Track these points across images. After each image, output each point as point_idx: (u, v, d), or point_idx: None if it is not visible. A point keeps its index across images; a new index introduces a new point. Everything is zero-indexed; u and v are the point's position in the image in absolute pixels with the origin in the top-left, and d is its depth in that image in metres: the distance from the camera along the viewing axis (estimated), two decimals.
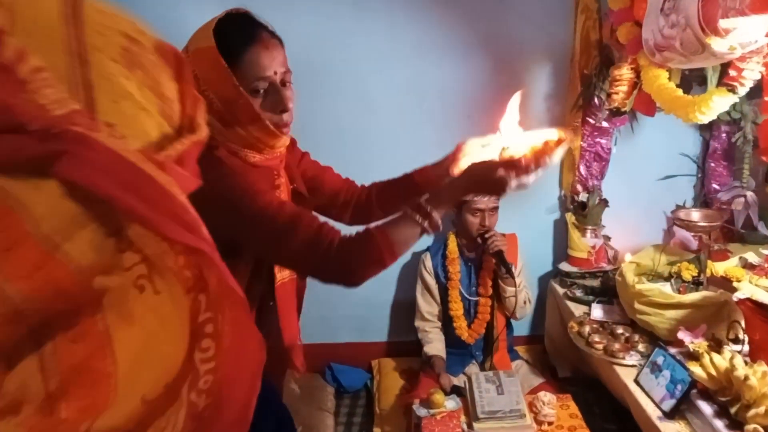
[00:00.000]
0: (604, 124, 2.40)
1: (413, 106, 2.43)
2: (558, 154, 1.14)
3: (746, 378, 1.38)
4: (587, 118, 2.41)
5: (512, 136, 1.25)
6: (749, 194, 2.26)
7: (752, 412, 1.35)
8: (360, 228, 1.12)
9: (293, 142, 1.37)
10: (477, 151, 1.31)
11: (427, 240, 2.52)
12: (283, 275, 1.23)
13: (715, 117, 1.65)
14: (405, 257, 2.61)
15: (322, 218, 1.11)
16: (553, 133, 1.19)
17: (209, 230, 1.10)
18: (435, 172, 1.36)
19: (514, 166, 1.09)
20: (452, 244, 2.34)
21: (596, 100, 2.31)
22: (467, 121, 2.43)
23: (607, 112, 2.33)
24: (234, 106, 1.06)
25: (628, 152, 2.51)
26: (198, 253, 0.48)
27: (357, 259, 1.07)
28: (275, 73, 1.09)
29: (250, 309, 1.19)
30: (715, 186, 2.46)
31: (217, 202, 1.03)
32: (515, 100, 1.28)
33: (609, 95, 2.23)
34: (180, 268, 0.48)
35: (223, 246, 1.06)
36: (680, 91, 1.80)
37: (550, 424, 1.83)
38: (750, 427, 1.34)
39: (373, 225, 1.10)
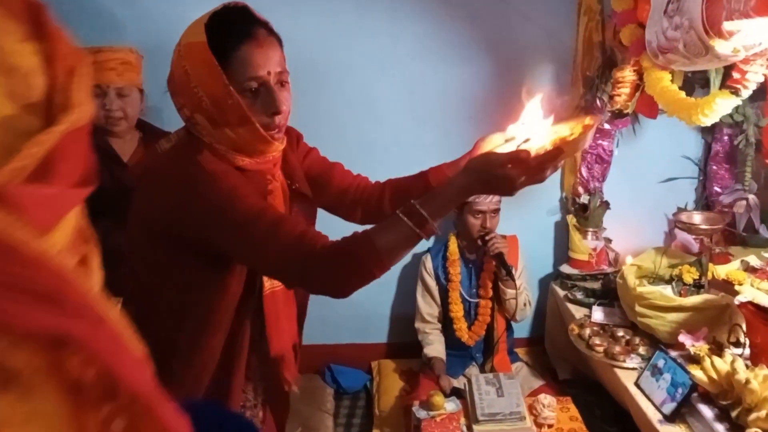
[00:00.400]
0: (606, 126, 2.39)
1: (415, 107, 2.43)
2: (586, 140, 1.01)
3: (747, 382, 1.37)
4: None
5: (535, 126, 1.10)
6: (751, 197, 2.25)
7: (753, 416, 1.35)
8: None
9: (298, 137, 1.31)
10: (499, 146, 1.14)
11: (427, 241, 2.51)
12: (272, 284, 1.17)
13: (717, 119, 1.65)
14: (405, 258, 2.59)
15: (321, 224, 1.06)
16: (579, 121, 1.07)
17: (195, 242, 1.00)
18: (451, 171, 1.24)
19: (522, 160, 0.95)
20: (453, 245, 2.34)
21: (598, 101, 2.30)
22: (469, 122, 2.43)
23: (609, 114, 2.32)
24: (223, 105, 1.00)
25: (630, 154, 2.51)
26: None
27: (340, 268, 0.97)
28: (269, 72, 1.02)
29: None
30: (716, 189, 2.45)
31: (196, 212, 0.99)
32: (535, 101, 1.13)
33: (611, 97, 2.22)
34: (48, 351, 0.31)
35: (213, 256, 1.04)
36: (683, 94, 1.79)
37: (550, 426, 1.83)
38: (751, 431, 1.34)
39: (361, 230, 0.99)
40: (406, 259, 2.59)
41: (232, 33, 1.01)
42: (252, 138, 1.04)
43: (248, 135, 1.03)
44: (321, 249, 0.97)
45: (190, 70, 1.00)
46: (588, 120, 1.06)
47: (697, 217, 2.15)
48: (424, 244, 2.49)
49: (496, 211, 2.23)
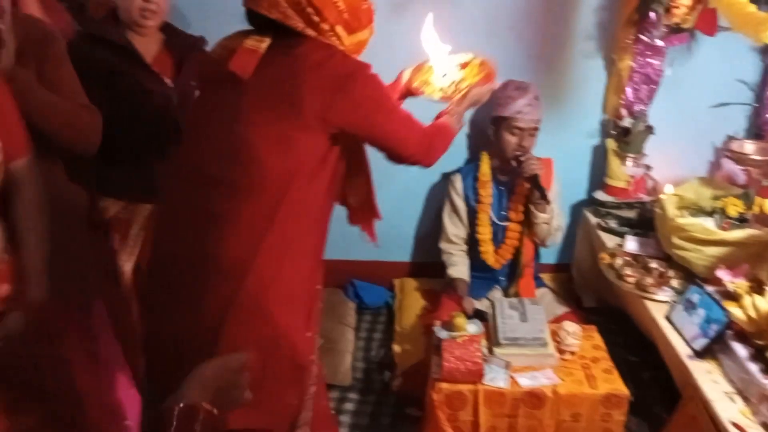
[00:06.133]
0: (659, 42, 2.20)
1: None
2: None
3: None
4: (640, 36, 2.21)
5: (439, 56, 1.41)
6: None
7: None
8: None
9: None
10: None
11: (457, 161, 2.42)
12: None
13: None
14: (433, 178, 2.53)
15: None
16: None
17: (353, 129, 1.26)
18: None
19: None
20: (485, 166, 2.24)
21: (653, 14, 2.11)
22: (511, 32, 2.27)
23: (664, 30, 2.13)
24: (359, 12, 1.21)
25: (680, 76, 2.32)
26: None
27: (446, 141, 1.39)
28: None
29: None
30: None
31: (370, 99, 1.22)
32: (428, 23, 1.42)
33: (668, 9, 2.03)
34: None
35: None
36: (753, 7, 1.62)
37: (572, 353, 1.80)
38: None
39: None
40: (434, 178, 2.53)
41: None
42: (370, 34, 1.28)
43: (369, 33, 1.28)
44: (432, 129, 1.35)
45: None
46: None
47: (749, 147, 2.02)
48: (453, 164, 2.40)
49: (535, 130, 2.12)
